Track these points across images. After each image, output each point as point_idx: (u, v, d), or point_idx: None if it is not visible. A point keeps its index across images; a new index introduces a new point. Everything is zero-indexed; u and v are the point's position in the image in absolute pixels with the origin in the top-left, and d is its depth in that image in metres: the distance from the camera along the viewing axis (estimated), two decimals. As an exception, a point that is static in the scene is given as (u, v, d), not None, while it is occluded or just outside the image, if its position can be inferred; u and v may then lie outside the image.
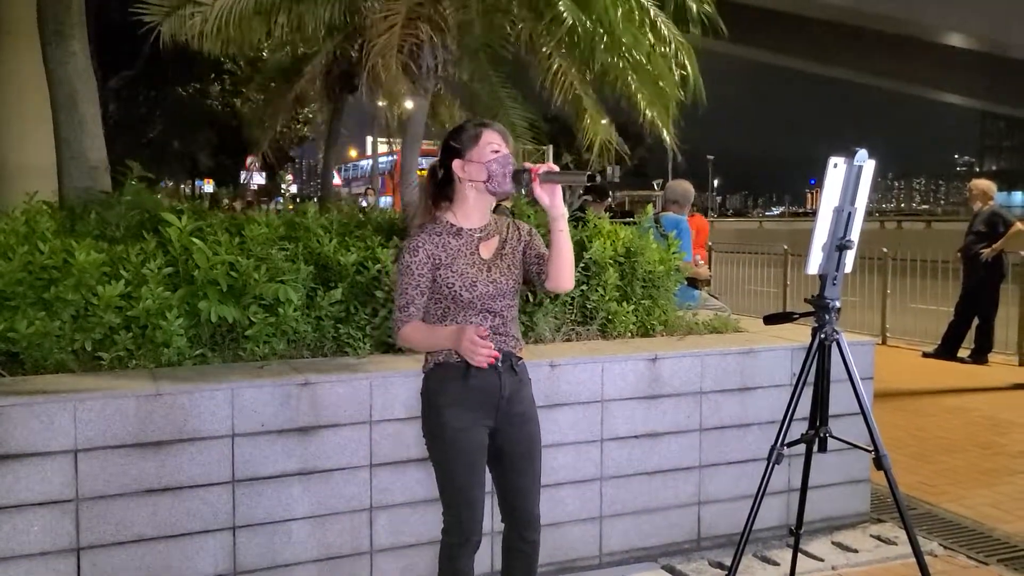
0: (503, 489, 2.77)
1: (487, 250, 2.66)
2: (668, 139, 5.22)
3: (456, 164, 2.65)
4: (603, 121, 5.12)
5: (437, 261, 2.60)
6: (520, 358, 2.73)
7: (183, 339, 3.39)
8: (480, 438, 2.66)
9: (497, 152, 2.61)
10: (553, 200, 2.57)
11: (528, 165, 2.60)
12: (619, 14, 4.67)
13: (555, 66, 4.82)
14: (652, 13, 5.00)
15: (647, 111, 5.08)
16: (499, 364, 2.62)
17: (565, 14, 4.54)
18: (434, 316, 2.64)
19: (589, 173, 2.53)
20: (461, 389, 2.62)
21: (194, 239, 3.45)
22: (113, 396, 2.97)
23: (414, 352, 3.68)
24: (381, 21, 4.46)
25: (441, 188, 2.68)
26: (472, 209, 2.67)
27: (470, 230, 2.66)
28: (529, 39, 4.88)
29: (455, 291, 2.58)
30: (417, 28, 4.40)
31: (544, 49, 4.78)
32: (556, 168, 2.58)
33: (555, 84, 4.92)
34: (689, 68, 5.12)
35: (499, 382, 2.64)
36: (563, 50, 4.75)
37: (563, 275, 2.64)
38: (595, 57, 4.74)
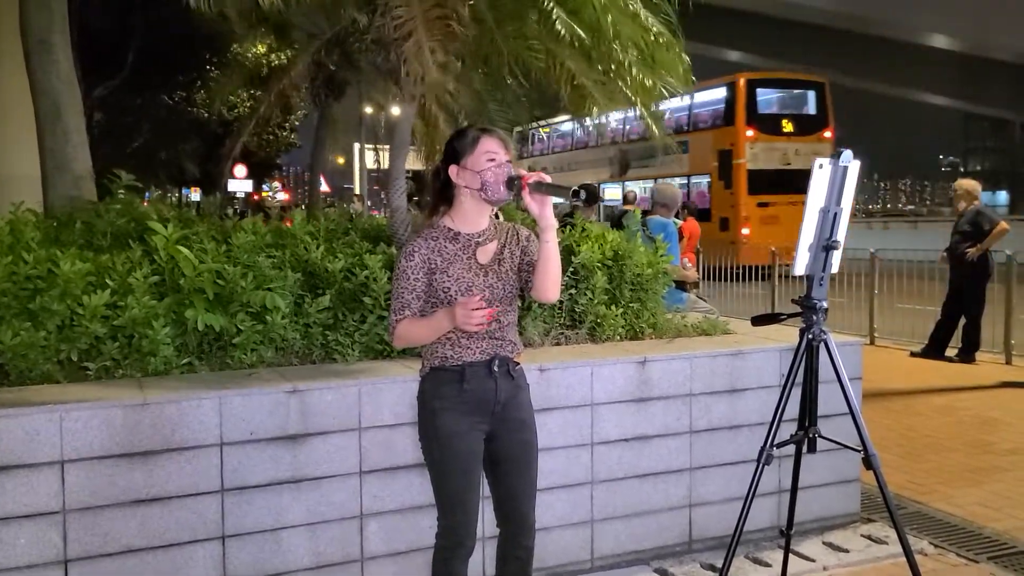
0: (499, 495, 2.76)
1: (484, 255, 2.66)
2: (658, 136, 5.24)
3: (452, 170, 2.65)
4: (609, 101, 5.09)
5: (433, 266, 2.60)
6: (517, 363, 2.73)
7: (170, 348, 3.37)
8: (475, 443, 2.66)
9: (493, 160, 2.61)
10: (543, 211, 2.57)
11: (521, 172, 2.60)
12: (609, 20, 4.68)
13: (557, 65, 4.81)
14: (643, 16, 5.01)
15: (642, 109, 5.09)
16: (495, 368, 2.63)
17: (560, 27, 4.53)
18: None
19: (574, 188, 2.51)
20: (457, 393, 2.62)
21: (180, 247, 3.43)
22: (100, 406, 2.95)
23: (403, 358, 3.68)
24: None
25: (442, 191, 2.69)
26: (469, 214, 2.67)
27: (467, 235, 2.66)
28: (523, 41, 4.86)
29: (451, 296, 2.58)
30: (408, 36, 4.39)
31: (540, 52, 4.76)
32: (547, 178, 2.58)
33: (559, 81, 4.92)
34: (680, 65, 5.13)
35: (495, 386, 2.64)
36: (565, 50, 4.74)
37: (548, 286, 2.64)
38: (594, 57, 4.76)
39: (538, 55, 4.71)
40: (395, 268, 2.65)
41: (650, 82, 4.91)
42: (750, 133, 20.52)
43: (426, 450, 2.69)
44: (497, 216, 2.76)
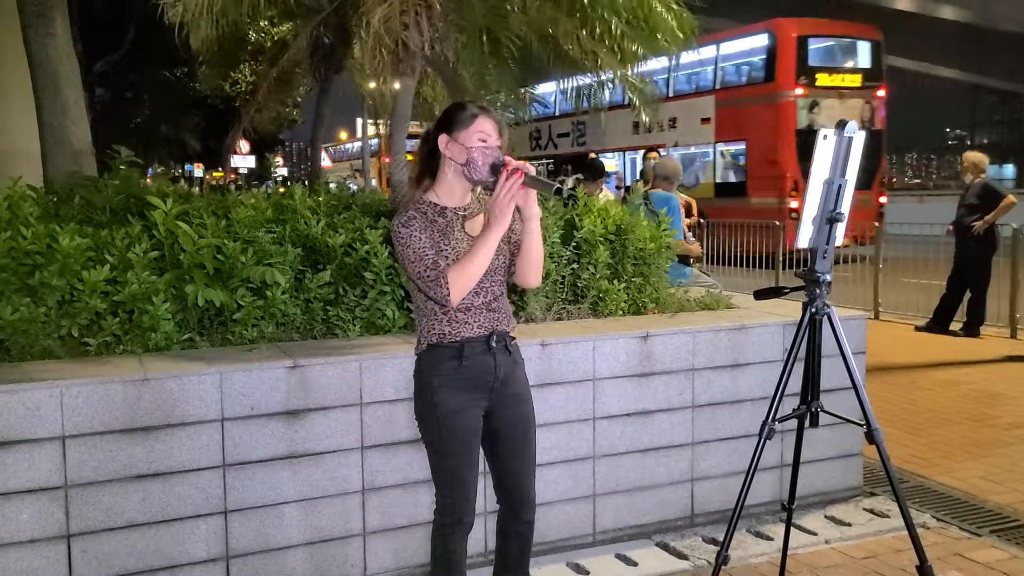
0: (498, 471, 2.76)
1: (474, 228, 2.64)
2: (637, 102, 5.21)
3: (442, 139, 2.62)
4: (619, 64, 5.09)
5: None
6: (513, 338, 2.71)
7: (170, 324, 3.36)
8: (474, 420, 2.64)
9: (484, 141, 2.58)
10: (526, 200, 2.56)
11: (507, 159, 2.57)
12: None
13: (563, 31, 4.77)
14: None
15: (621, 74, 5.06)
16: (493, 344, 2.61)
17: None
18: (423, 297, 2.62)
19: (557, 186, 2.52)
20: (455, 370, 2.60)
21: (180, 222, 3.41)
22: (100, 382, 2.94)
23: (404, 333, 3.67)
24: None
25: (427, 159, 2.67)
26: (452, 188, 2.65)
27: (453, 208, 2.64)
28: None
29: None
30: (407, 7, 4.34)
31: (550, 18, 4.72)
32: (531, 170, 2.55)
33: (568, 42, 4.88)
34: (684, 24, 5.08)
35: (493, 362, 2.62)
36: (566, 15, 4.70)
37: (530, 273, 2.67)
38: (594, 18, 4.71)
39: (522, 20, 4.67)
40: (399, 241, 2.53)
41: (635, 46, 4.86)
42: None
43: (424, 428, 2.67)
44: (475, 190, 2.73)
